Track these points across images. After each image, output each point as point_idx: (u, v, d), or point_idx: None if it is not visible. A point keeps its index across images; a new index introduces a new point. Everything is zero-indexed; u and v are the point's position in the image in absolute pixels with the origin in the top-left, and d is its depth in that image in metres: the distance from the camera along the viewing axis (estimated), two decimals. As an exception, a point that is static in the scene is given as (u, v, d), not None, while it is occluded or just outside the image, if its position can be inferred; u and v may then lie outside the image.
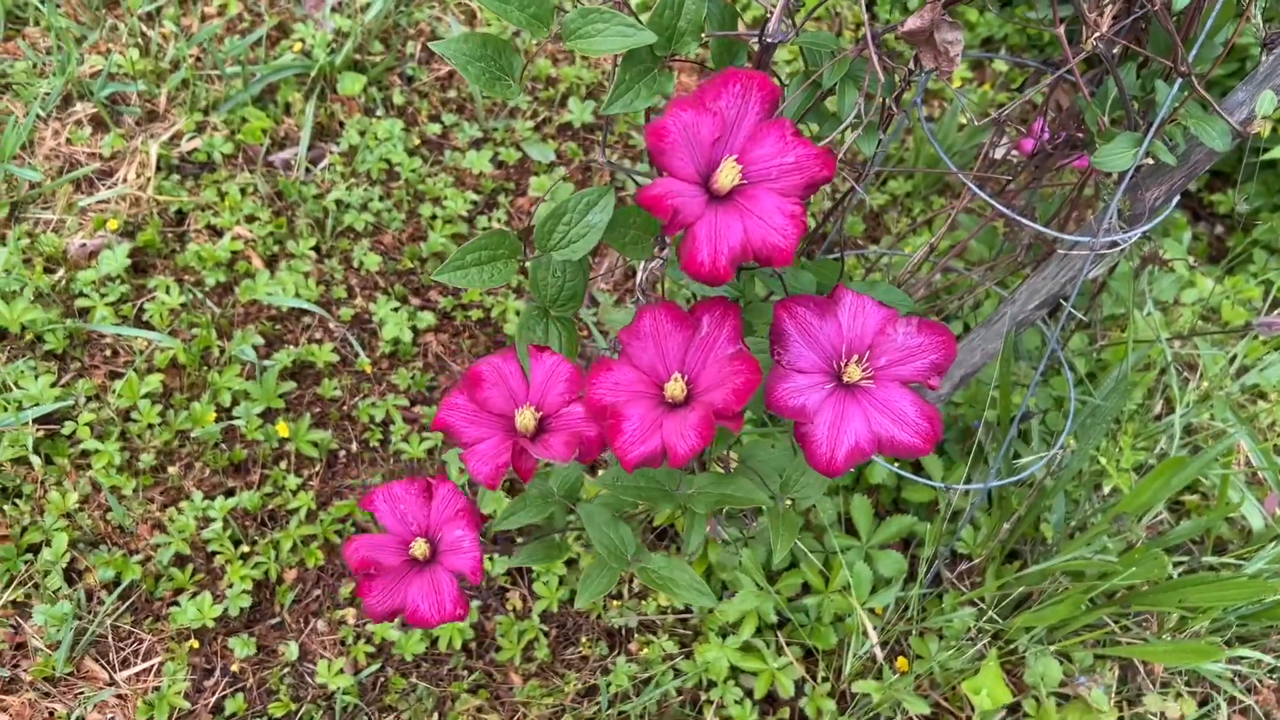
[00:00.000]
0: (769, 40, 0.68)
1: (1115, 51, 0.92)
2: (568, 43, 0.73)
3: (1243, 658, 1.34)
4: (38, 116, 1.54)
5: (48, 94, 1.56)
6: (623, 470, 0.80)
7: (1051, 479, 1.30)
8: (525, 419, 0.70)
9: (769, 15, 0.69)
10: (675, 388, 0.68)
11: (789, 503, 0.88)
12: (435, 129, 1.71)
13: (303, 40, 1.73)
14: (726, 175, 0.63)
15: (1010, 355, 1.23)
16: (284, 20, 1.79)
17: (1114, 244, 1.05)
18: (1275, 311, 1.79)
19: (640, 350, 0.69)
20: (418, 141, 1.69)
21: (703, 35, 0.74)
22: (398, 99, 1.73)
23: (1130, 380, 1.51)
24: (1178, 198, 1.04)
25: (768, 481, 0.90)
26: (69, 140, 1.54)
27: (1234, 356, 1.77)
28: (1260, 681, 1.41)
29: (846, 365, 0.75)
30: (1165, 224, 1.90)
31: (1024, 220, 0.97)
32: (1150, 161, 0.95)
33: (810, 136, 0.75)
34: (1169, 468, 1.15)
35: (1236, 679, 1.41)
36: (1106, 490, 1.32)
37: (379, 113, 1.71)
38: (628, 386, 0.68)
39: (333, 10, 1.81)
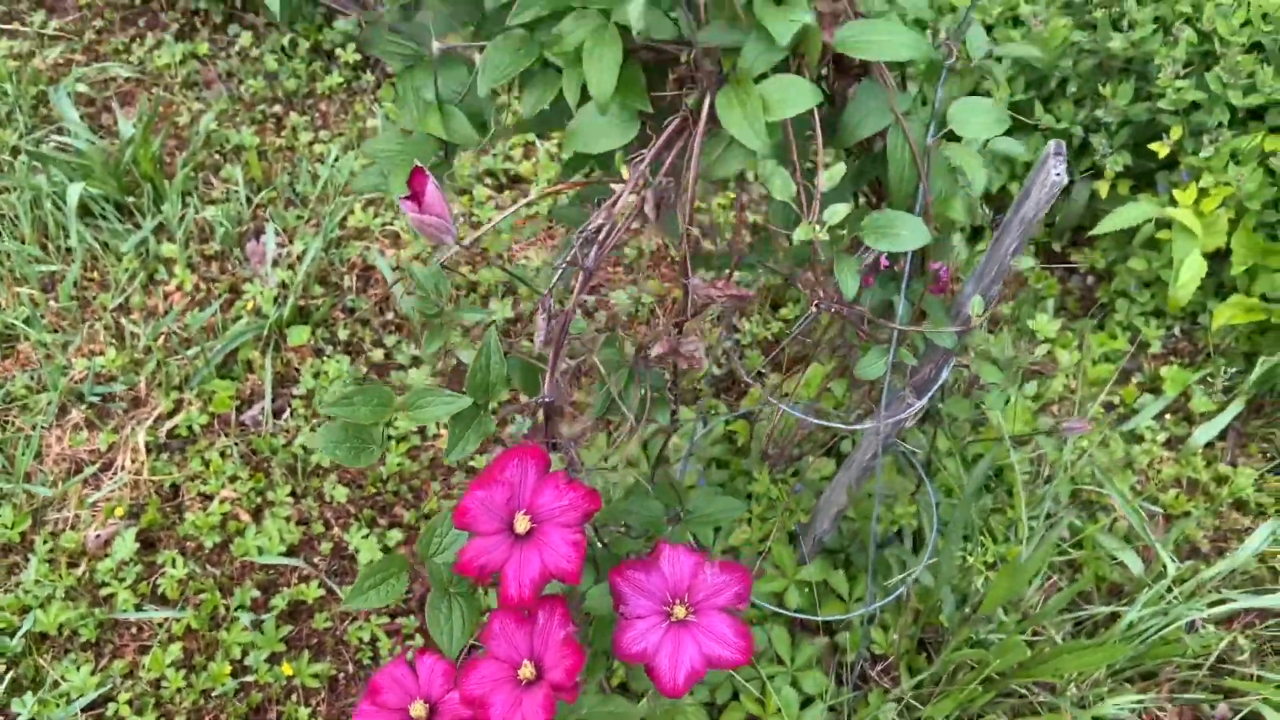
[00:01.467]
0: (548, 399, 0.92)
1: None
2: (406, 415, 0.97)
3: (1139, 700, 1.53)
4: (42, 428, 1.81)
5: (49, 404, 1.83)
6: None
7: (933, 579, 1.51)
8: (417, 710, 0.93)
9: (543, 380, 0.93)
10: (525, 672, 0.91)
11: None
12: (379, 355, 1.97)
13: (253, 299, 2.00)
14: (520, 525, 0.86)
15: (852, 494, 1.45)
16: (234, 282, 2.06)
17: (910, 411, 1.27)
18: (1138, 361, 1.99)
19: (496, 646, 0.92)
20: (365, 369, 1.95)
21: (509, 384, 0.98)
22: (342, 334, 1.99)
23: (1007, 466, 1.72)
24: (947, 371, 1.26)
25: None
26: (70, 444, 1.80)
27: (1112, 405, 1.97)
28: (1162, 709, 1.60)
29: (674, 606, 0.98)
30: (1034, 293, 2.12)
31: (810, 419, 1.20)
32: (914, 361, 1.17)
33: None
34: (1007, 573, 1.36)
35: (1142, 714, 1.60)
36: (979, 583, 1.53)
37: (328, 351, 1.96)
38: (491, 677, 0.91)
39: (274, 264, 2.07)
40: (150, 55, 2.48)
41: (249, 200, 2.19)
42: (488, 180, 2.28)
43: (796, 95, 0.85)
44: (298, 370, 1.94)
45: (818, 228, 0.89)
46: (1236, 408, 1.89)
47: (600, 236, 0.88)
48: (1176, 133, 1.89)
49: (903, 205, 1.01)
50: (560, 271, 0.91)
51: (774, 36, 0.82)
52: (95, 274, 2.06)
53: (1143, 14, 1.87)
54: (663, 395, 1.04)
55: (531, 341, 0.89)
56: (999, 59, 1.17)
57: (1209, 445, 1.91)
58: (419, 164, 0.84)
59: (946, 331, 1.13)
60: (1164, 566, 1.63)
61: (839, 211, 0.89)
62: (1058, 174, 1.01)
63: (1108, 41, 1.88)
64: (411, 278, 1.78)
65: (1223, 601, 1.64)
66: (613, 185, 0.91)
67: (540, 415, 0.93)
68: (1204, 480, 1.85)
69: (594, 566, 1.08)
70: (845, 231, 0.94)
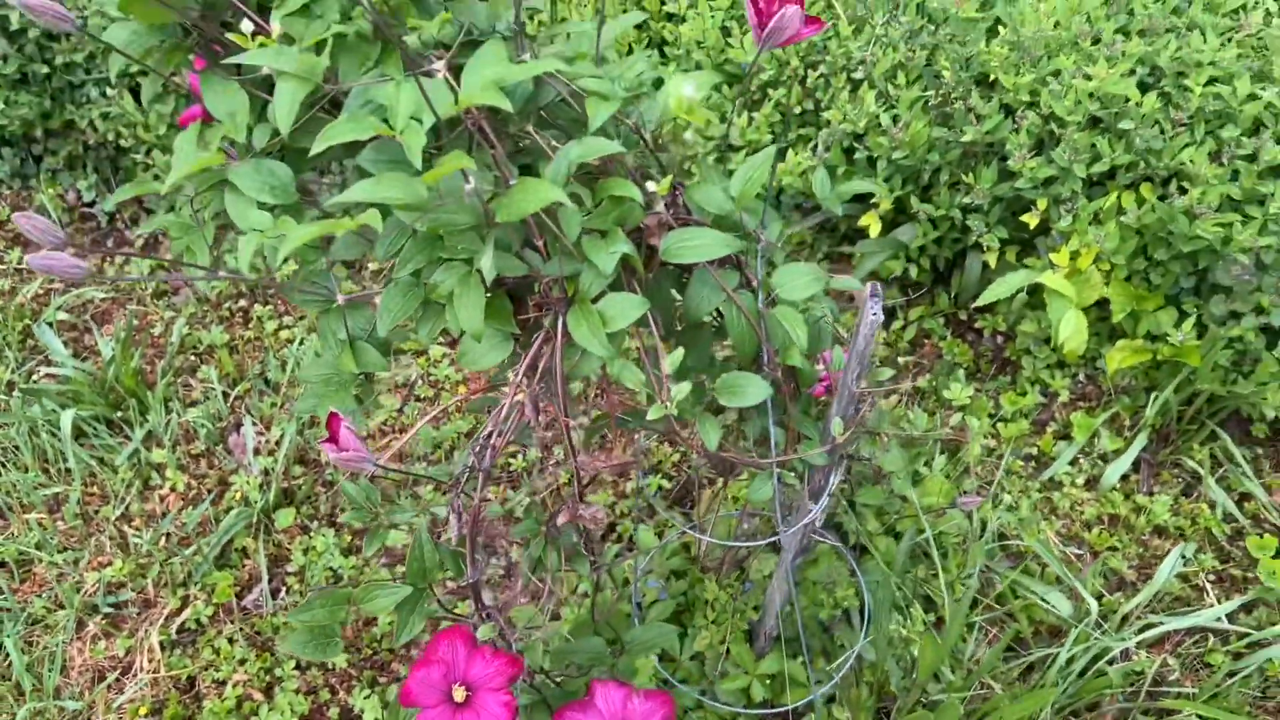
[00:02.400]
0: (472, 581, 1.10)
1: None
2: (360, 607, 1.15)
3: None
4: (64, 644, 1.98)
5: (67, 620, 2.00)
6: None
7: (874, 653, 1.67)
8: None
9: (464, 564, 1.11)
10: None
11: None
12: (359, 523, 2.14)
13: (240, 489, 2.18)
14: (458, 695, 1.04)
15: (788, 591, 1.62)
16: (222, 475, 2.24)
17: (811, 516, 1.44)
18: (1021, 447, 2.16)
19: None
20: (349, 538, 2.12)
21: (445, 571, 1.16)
22: (324, 508, 2.17)
23: (942, 532, 1.88)
24: (836, 477, 1.44)
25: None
26: (91, 655, 1.97)
27: (1031, 456, 2.14)
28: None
29: (613, 733, 1.15)
30: (948, 362, 2.30)
31: (708, 538, 1.37)
32: (794, 483, 1.35)
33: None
34: (929, 642, 1.52)
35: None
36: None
37: (314, 527, 2.14)
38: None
39: (255, 453, 2.26)
40: (121, 272, 2.70)
41: (225, 396, 2.39)
42: (442, 338, 2.48)
43: (628, 309, 1.04)
44: (289, 550, 2.11)
45: (668, 405, 1.07)
46: (1141, 441, 2.06)
47: (491, 440, 1.06)
48: (1042, 204, 2.09)
49: (750, 361, 1.20)
50: (467, 472, 1.09)
51: (599, 267, 1.02)
52: (95, 489, 2.25)
53: (989, 106, 2.09)
54: (578, 551, 1.21)
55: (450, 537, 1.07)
56: (842, 195, 1.37)
57: (1125, 479, 2.07)
58: (334, 410, 1.03)
59: (817, 453, 1.31)
60: (1088, 605, 1.79)
61: (682, 389, 1.07)
62: (874, 314, 1.20)
63: (963, 136, 2.10)
64: (346, 490, 1.97)
65: (1150, 626, 1.79)
66: (504, 390, 1.10)
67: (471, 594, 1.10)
68: (1123, 514, 2.01)
69: (546, 707, 1.24)
70: (691, 403, 1.12)
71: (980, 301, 2.11)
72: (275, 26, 1.06)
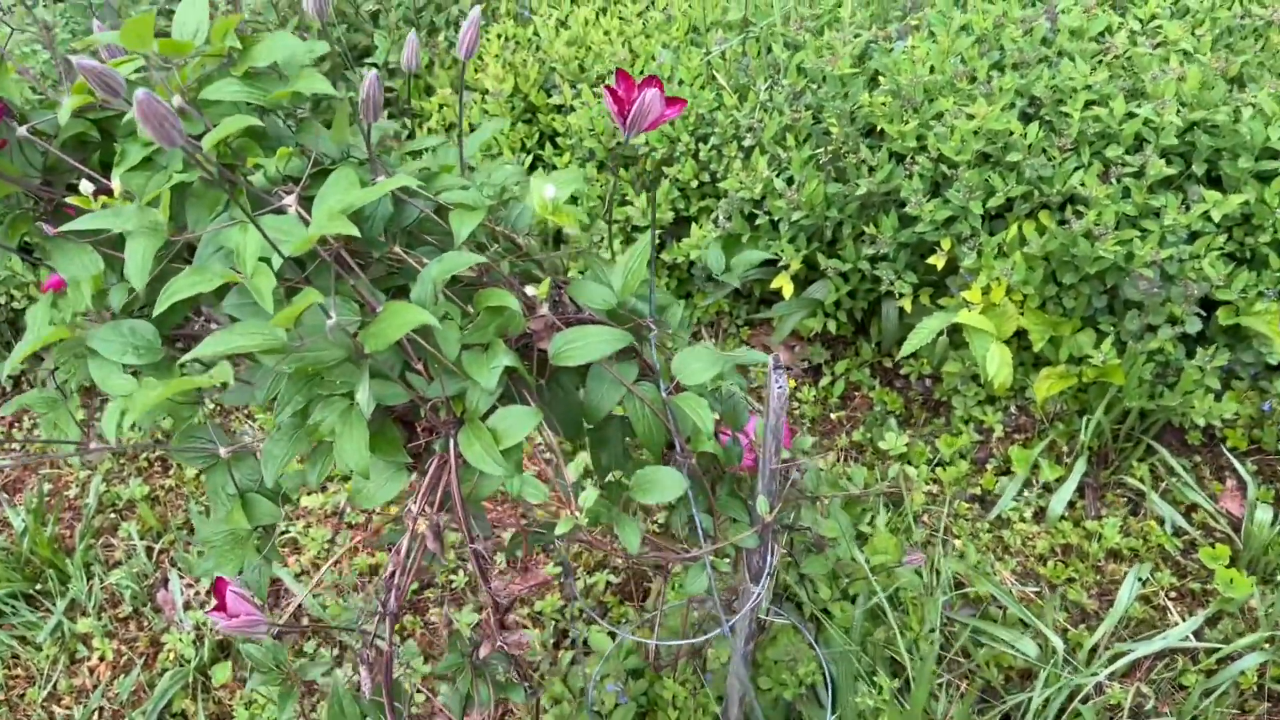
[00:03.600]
0: (396, 729, 1.03)
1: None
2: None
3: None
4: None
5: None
6: None
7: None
8: None
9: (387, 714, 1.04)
10: None
11: None
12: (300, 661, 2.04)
13: (173, 649, 2.08)
14: None
15: (747, 677, 1.56)
16: (153, 636, 2.14)
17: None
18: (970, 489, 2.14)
19: None
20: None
21: None
22: (264, 655, 2.07)
23: (901, 587, 1.84)
24: (775, 554, 1.40)
25: None
26: None
27: (976, 497, 2.12)
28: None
29: None
30: (880, 412, 2.28)
31: (655, 640, 1.31)
32: (727, 567, 1.31)
33: None
34: (894, 715, 1.47)
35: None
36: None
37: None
38: None
39: (186, 608, 2.16)
40: (33, 434, 2.60)
41: (150, 551, 2.29)
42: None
43: (521, 422, 1.00)
44: (229, 706, 2.00)
45: (578, 515, 1.03)
46: (1081, 467, 2.05)
47: (395, 580, 1.01)
48: (946, 244, 2.10)
49: (658, 452, 1.16)
50: (375, 617, 1.03)
51: (483, 384, 0.98)
52: (19, 670, 2.13)
53: (879, 156, 2.10)
54: (508, 679, 1.15)
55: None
56: (733, 270, 1.35)
57: (1071, 506, 2.05)
58: (220, 576, 0.97)
59: (748, 535, 1.26)
60: (1052, 645, 1.75)
61: (590, 497, 1.03)
62: (780, 386, 1.17)
63: (858, 189, 2.10)
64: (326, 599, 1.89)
65: (1119, 656, 1.76)
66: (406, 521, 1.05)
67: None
68: (1075, 542, 1.98)
69: None
70: (607, 506, 1.08)
71: (903, 351, 2.10)
72: (116, 184, 1.02)
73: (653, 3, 2.69)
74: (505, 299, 1.01)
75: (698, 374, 1.16)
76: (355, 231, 0.88)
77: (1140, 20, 2.19)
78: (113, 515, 2.41)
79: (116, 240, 1.09)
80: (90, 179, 1.06)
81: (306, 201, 1.01)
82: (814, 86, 2.26)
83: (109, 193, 1.03)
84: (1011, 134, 2.01)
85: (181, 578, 2.22)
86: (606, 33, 2.57)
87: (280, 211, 1.00)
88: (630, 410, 1.14)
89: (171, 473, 2.48)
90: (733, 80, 2.36)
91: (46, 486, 2.45)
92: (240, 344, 0.88)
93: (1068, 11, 2.17)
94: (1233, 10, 2.13)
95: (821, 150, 2.19)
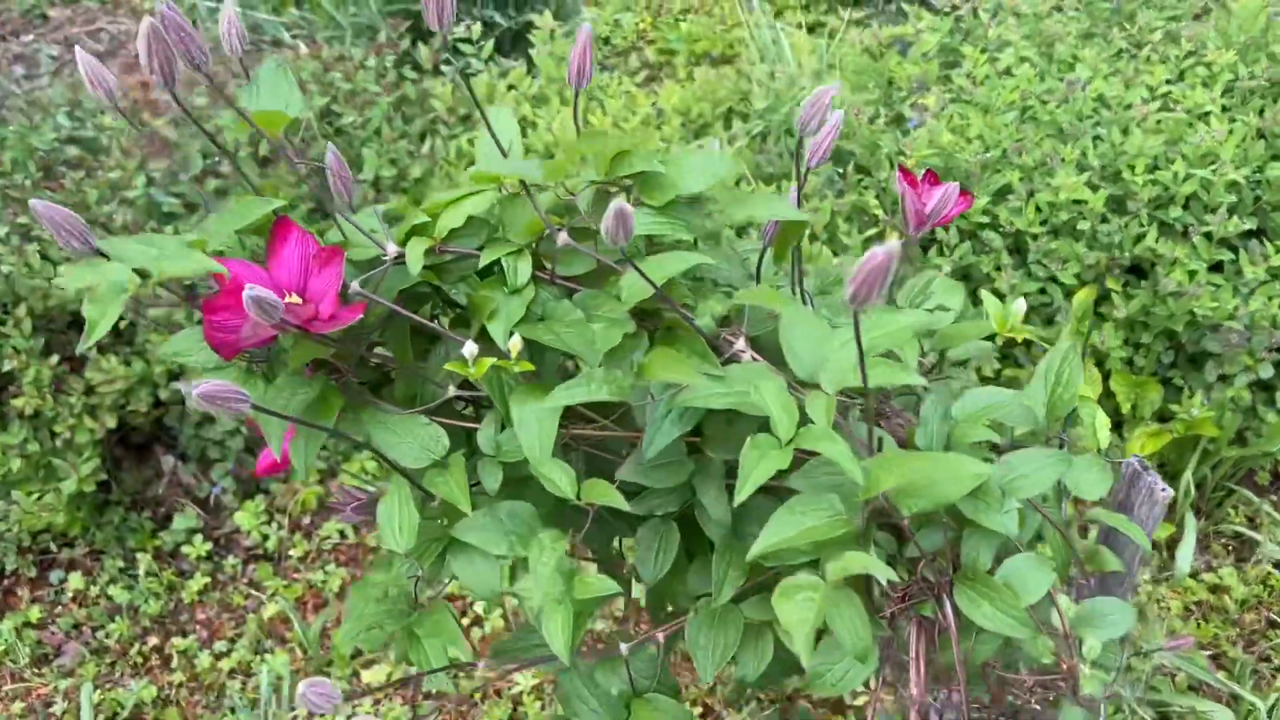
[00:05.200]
0: None
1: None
2: None
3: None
4: None
5: None
6: None
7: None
8: None
9: None
10: None
11: None
12: None
13: None
14: None
15: None
16: None
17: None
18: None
19: None
20: None
21: None
22: None
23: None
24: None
25: None
26: None
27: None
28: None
29: None
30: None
31: None
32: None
33: None
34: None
35: None
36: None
37: None
38: None
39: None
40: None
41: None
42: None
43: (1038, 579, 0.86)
44: None
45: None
46: (1192, 522, 2.06)
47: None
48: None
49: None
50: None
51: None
52: None
53: (949, 232, 2.09)
54: None
55: None
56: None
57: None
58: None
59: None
60: (1251, 704, 1.72)
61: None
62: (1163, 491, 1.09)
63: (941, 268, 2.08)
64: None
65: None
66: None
67: None
68: (1206, 599, 1.99)
69: None
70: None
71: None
72: (515, 341, 0.83)
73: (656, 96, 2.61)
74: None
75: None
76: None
77: (1150, 88, 2.30)
78: (119, 728, 2.02)
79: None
80: (450, 338, 0.87)
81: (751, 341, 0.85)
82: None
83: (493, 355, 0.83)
84: (1084, 202, 2.04)
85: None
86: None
87: (735, 359, 0.84)
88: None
89: (175, 668, 2.11)
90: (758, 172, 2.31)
91: (15, 709, 2.03)
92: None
93: (1091, 81, 2.25)
94: (1237, 74, 2.26)
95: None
